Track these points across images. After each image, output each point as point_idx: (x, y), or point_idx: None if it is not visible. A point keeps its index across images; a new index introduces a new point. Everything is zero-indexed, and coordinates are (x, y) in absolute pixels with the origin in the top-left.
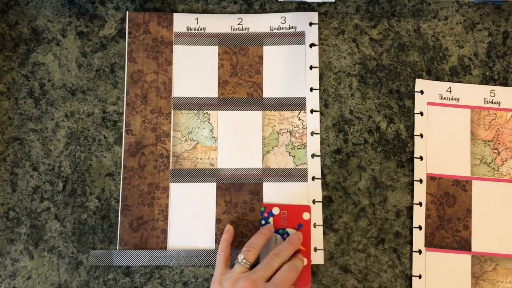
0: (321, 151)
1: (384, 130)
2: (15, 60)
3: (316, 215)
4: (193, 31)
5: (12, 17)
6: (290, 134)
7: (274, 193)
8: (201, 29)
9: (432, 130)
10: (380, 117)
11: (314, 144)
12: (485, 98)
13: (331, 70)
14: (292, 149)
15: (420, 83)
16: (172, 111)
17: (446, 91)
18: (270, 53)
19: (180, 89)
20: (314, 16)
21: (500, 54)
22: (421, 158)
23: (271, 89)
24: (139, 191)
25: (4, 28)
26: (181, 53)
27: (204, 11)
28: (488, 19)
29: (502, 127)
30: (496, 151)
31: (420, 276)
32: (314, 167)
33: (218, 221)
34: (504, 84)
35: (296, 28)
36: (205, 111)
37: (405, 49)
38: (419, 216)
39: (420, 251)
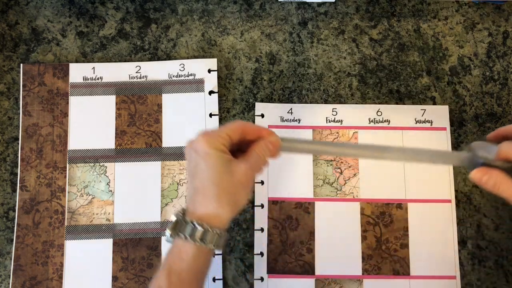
0: None
1: None
2: (15, 60)
3: (215, 270)
4: (89, 81)
5: (12, 17)
6: None
7: None
8: (98, 79)
9: None
10: None
11: None
12: (327, 117)
13: (331, 70)
14: None
15: (260, 107)
16: (67, 165)
17: (287, 112)
18: (169, 101)
19: (76, 141)
20: (213, 63)
21: (500, 54)
22: (262, 183)
23: (170, 138)
24: (33, 250)
25: (4, 28)
26: (77, 104)
27: (204, 11)
28: (488, 19)
29: None
30: (339, 170)
31: None
32: None
33: (114, 278)
34: (504, 84)
35: (195, 75)
36: (101, 164)
37: (405, 49)
38: (260, 242)
39: (262, 279)
